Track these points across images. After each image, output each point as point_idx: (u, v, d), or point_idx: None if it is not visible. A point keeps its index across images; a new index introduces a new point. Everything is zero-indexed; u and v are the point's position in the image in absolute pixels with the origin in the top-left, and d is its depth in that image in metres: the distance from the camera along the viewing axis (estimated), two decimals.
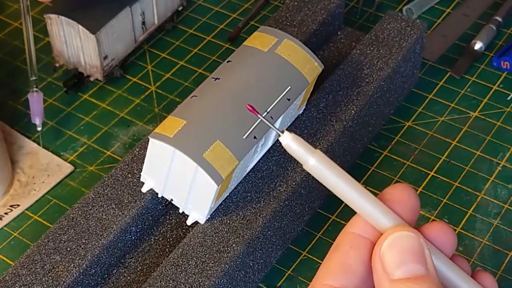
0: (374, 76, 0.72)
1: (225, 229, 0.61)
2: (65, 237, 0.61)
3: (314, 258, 0.68)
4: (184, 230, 0.65)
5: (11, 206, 0.72)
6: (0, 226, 0.71)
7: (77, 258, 0.59)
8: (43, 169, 0.75)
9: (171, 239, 0.64)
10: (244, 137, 0.60)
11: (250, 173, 0.65)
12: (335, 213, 0.71)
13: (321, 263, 0.39)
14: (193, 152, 0.58)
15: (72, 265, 0.59)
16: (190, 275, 0.58)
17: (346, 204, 0.38)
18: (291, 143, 0.37)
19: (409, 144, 0.77)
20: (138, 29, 0.84)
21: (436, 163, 0.75)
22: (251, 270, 0.63)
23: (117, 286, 0.62)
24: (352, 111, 0.69)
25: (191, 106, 0.61)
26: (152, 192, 0.63)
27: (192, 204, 0.61)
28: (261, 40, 0.66)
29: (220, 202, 0.62)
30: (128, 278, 0.62)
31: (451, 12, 0.91)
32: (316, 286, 0.37)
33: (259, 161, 0.65)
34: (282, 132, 0.38)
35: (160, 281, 0.58)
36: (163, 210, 0.65)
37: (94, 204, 0.63)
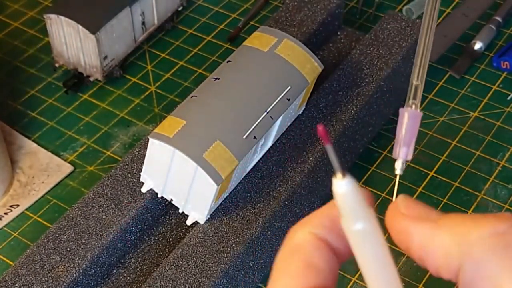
0: (374, 76, 0.72)
1: (225, 229, 0.61)
2: (65, 237, 0.61)
3: None
4: (184, 230, 0.64)
5: (11, 206, 0.72)
6: (0, 226, 0.71)
7: (77, 258, 0.59)
8: (43, 169, 0.75)
9: (171, 239, 0.64)
10: (244, 137, 0.60)
11: (250, 173, 0.65)
12: None
13: None
14: (193, 152, 0.58)
15: (72, 265, 0.59)
16: (190, 275, 0.58)
17: None
18: (351, 194, 0.28)
19: None
20: (138, 29, 0.83)
21: (436, 163, 0.75)
22: (251, 270, 0.63)
23: (117, 286, 0.62)
24: (352, 111, 0.69)
25: (191, 106, 0.61)
26: (152, 192, 0.63)
27: (192, 204, 0.61)
28: (261, 40, 0.66)
29: (220, 202, 0.62)
30: (128, 278, 0.62)
31: (451, 12, 0.91)
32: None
33: (259, 161, 0.65)
34: (344, 175, 0.27)
35: (160, 281, 0.58)
36: (163, 210, 0.65)
37: (93, 204, 0.63)
